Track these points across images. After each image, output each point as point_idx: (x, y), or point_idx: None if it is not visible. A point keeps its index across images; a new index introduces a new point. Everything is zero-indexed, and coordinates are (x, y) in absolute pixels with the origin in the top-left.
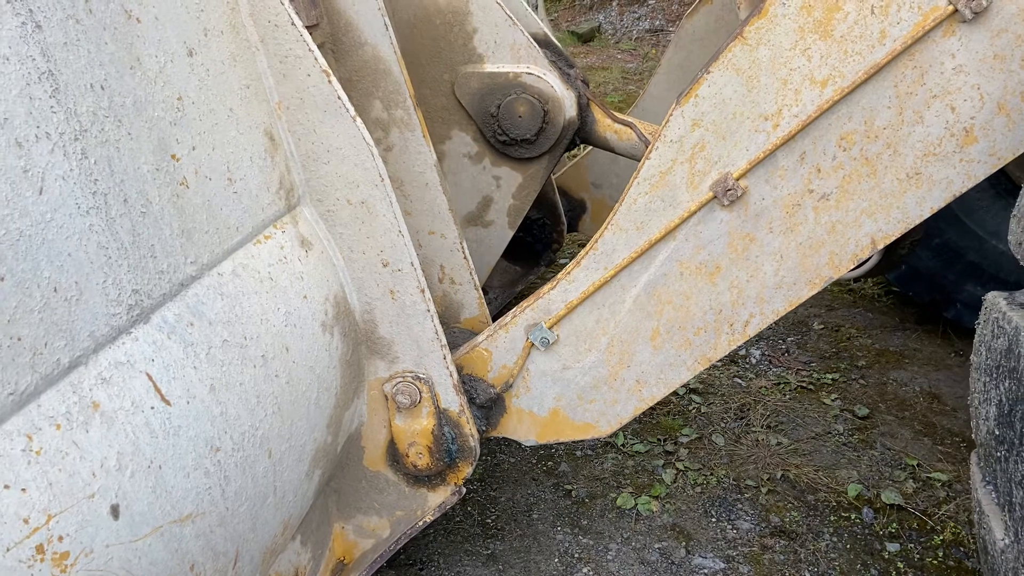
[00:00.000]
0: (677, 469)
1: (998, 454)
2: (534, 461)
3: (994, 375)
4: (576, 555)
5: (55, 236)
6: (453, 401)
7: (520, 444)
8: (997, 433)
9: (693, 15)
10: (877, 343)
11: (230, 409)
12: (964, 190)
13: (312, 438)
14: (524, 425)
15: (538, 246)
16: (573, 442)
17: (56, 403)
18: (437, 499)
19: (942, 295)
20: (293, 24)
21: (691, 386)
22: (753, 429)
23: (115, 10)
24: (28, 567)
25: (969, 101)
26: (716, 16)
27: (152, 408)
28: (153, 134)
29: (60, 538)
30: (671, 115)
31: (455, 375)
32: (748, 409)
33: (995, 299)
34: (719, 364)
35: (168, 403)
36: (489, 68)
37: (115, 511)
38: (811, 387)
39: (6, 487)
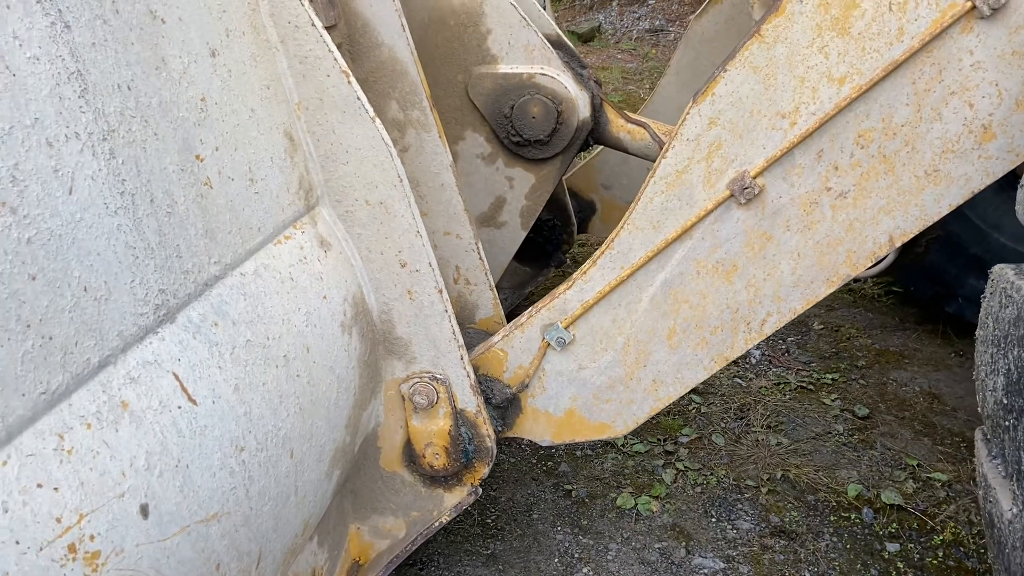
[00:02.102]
0: (677, 469)
1: (1006, 423)
2: (534, 461)
3: (1002, 345)
4: (576, 555)
5: (85, 236)
6: (470, 401)
7: (528, 443)
8: (1005, 402)
9: (702, 16)
10: (877, 343)
11: (254, 409)
12: (983, 187)
13: (332, 438)
14: (540, 425)
15: (548, 247)
16: (575, 442)
17: (87, 402)
18: (453, 500)
19: (943, 289)
20: (313, 25)
21: (697, 385)
22: (753, 429)
23: (141, 11)
24: (61, 566)
25: (987, 98)
26: (727, 16)
27: (179, 408)
28: (178, 134)
29: (92, 537)
30: (688, 113)
31: (472, 376)
32: (748, 409)
33: (1003, 270)
34: None
35: (195, 402)
36: (503, 69)
37: (144, 510)
38: (811, 387)
39: (39, 486)
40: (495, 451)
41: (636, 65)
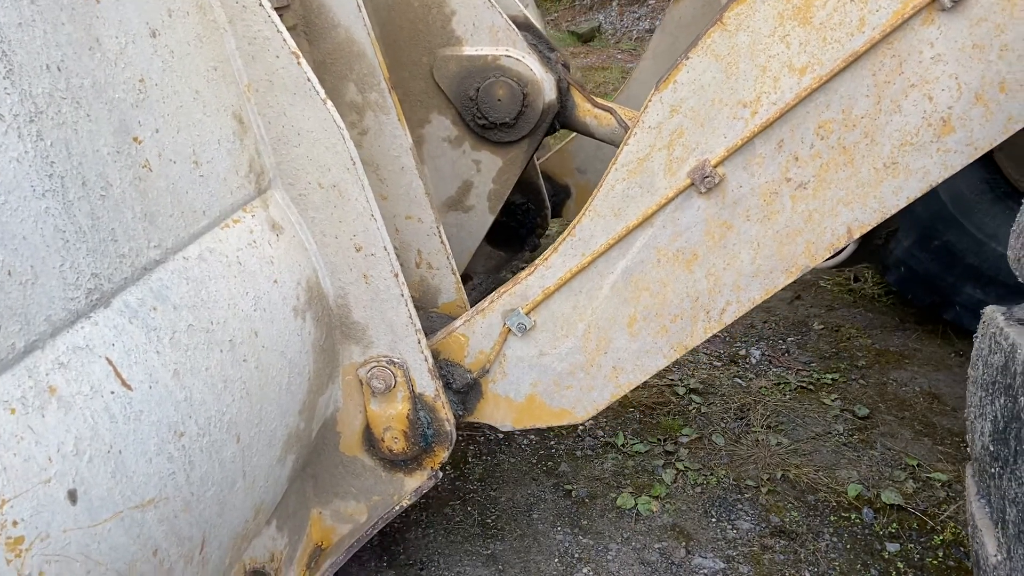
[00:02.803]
0: (677, 469)
1: (992, 470)
2: (534, 461)
3: (990, 391)
4: (576, 555)
5: (9, 219)
6: (428, 386)
7: (527, 443)
8: (992, 449)
9: (680, 1)
10: (877, 343)
11: (195, 394)
12: (941, 180)
13: (284, 423)
14: (500, 410)
15: (522, 231)
16: (573, 441)
17: (11, 388)
18: (413, 483)
19: (941, 297)
20: (261, 5)
21: (691, 386)
22: (753, 429)
23: None
24: None
25: (947, 91)
26: (703, 2)
27: (112, 393)
28: (113, 116)
29: (15, 523)
30: (650, 101)
31: (430, 360)
32: (748, 409)
33: (993, 313)
34: (719, 364)
35: (129, 388)
36: (468, 51)
37: (72, 496)
38: (811, 387)
39: None
40: (454, 435)
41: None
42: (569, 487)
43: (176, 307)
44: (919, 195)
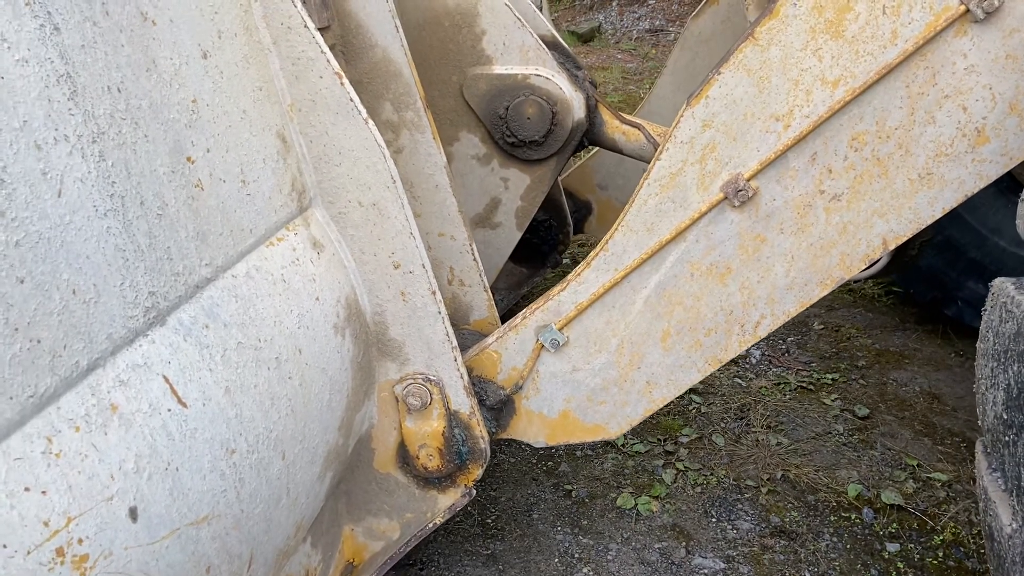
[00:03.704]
0: (677, 469)
1: (1006, 438)
2: (534, 461)
3: (1002, 360)
4: (576, 555)
5: (74, 238)
6: (464, 403)
7: (528, 445)
8: (1005, 417)
9: (699, 17)
10: (877, 343)
11: (245, 411)
12: (976, 190)
13: (324, 440)
14: (534, 427)
15: (544, 247)
16: (570, 444)
17: (75, 405)
18: (447, 501)
19: (943, 293)
20: (306, 26)
21: (691, 386)
22: (753, 429)
23: (131, 12)
24: (48, 570)
25: (981, 101)
26: (723, 17)
27: (169, 410)
28: (169, 136)
29: (80, 540)
30: (682, 116)
31: (466, 377)
32: (748, 409)
33: (1003, 284)
34: None
35: (184, 405)
36: (498, 70)
37: (133, 513)
38: (811, 387)
39: (26, 490)
40: (489, 453)
41: (636, 65)
42: (569, 487)
43: (226, 325)
44: (955, 205)
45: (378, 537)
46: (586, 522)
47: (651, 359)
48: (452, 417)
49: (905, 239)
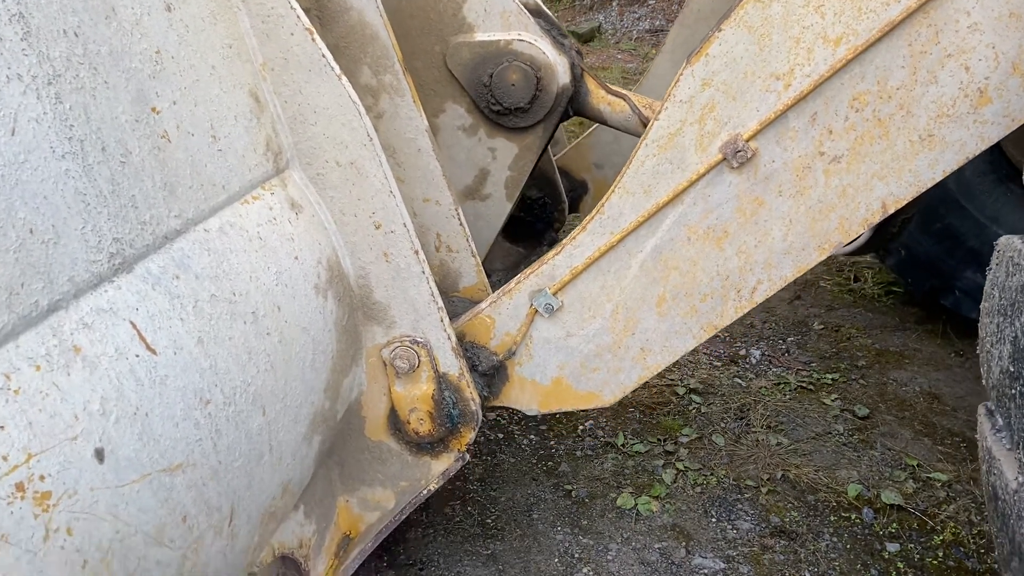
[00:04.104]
0: (677, 469)
1: (1012, 391)
2: (534, 461)
3: (1008, 314)
4: (576, 555)
5: (29, 177)
6: (452, 365)
7: (527, 444)
8: (1011, 370)
9: None
10: (877, 343)
11: (220, 363)
12: (977, 152)
13: (309, 400)
14: (526, 393)
15: (539, 225)
16: (573, 441)
17: (35, 345)
18: (441, 466)
19: (941, 282)
20: None
21: (691, 386)
22: (753, 429)
23: None
24: (8, 503)
25: (984, 61)
26: None
27: (137, 356)
28: (131, 85)
29: (41, 477)
30: (681, 74)
31: (453, 338)
32: (748, 409)
33: (1010, 240)
34: (719, 364)
35: (154, 352)
36: (480, 37)
37: (99, 454)
38: (811, 387)
39: None
40: (480, 415)
41: (636, 65)
42: (569, 487)
43: (198, 276)
44: (955, 168)
45: (373, 508)
46: (586, 522)
47: (646, 325)
48: (441, 379)
49: (905, 202)
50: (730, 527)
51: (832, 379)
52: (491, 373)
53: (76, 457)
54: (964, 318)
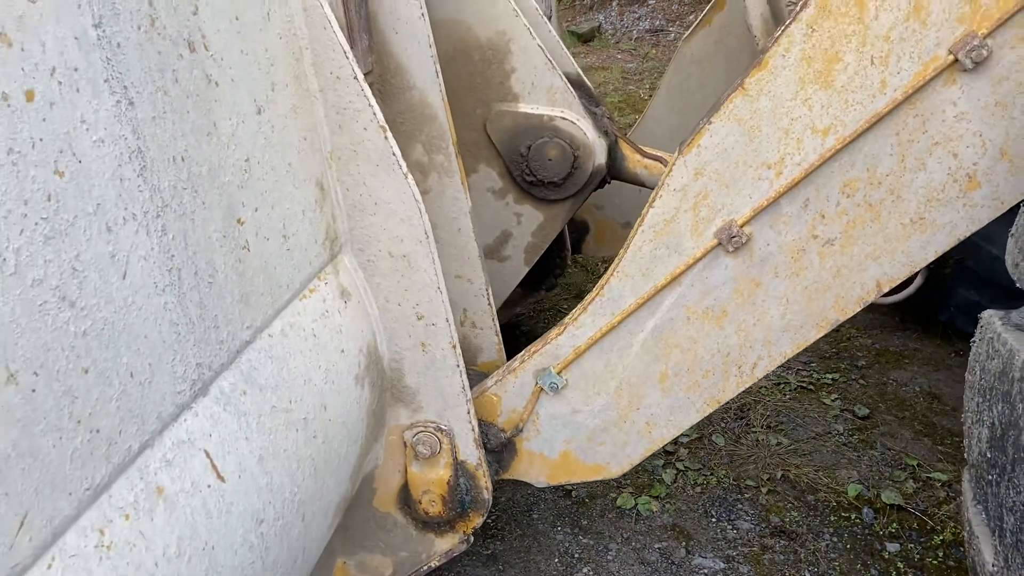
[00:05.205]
0: (677, 469)
1: (989, 477)
2: None
3: (988, 396)
4: (576, 555)
5: (134, 320)
6: (472, 454)
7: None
8: (989, 456)
9: (691, 38)
10: (877, 343)
11: (275, 478)
12: (969, 233)
13: (338, 492)
14: (535, 467)
15: (540, 272)
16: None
17: (125, 492)
18: (444, 545)
19: (936, 298)
20: (355, 77)
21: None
22: (753, 429)
23: (198, 76)
24: None
25: (971, 148)
26: (715, 39)
27: (209, 486)
28: (223, 200)
29: None
30: (674, 164)
31: (476, 429)
32: (748, 409)
33: (991, 318)
34: None
35: (223, 479)
36: (524, 108)
37: None
38: (811, 387)
39: None
40: (490, 502)
41: (636, 65)
42: (569, 487)
43: (262, 388)
44: (947, 248)
45: (370, 572)
46: (586, 522)
47: (650, 400)
48: (459, 467)
49: (899, 281)
50: (730, 527)
51: (832, 379)
52: (499, 449)
53: None
54: (960, 331)
